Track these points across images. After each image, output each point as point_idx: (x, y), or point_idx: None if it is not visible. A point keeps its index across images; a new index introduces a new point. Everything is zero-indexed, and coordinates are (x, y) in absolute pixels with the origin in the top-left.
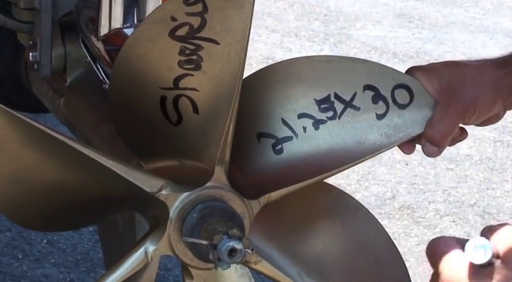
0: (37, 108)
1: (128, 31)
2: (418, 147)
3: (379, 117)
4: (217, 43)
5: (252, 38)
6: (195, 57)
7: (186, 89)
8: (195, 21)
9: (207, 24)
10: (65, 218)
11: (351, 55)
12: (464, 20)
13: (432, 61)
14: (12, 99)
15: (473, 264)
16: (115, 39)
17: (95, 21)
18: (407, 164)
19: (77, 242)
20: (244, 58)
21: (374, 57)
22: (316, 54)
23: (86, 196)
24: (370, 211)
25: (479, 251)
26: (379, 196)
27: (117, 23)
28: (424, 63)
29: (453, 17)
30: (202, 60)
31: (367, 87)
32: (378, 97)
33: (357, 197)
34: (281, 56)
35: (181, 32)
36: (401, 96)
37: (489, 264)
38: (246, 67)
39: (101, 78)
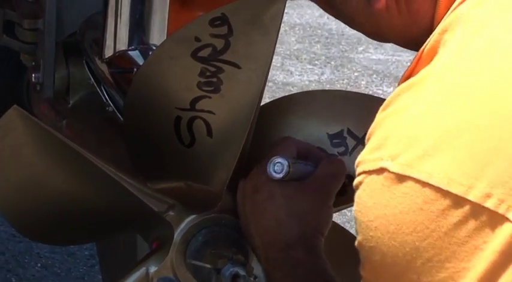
0: None
1: (133, 54)
2: None
3: None
4: (239, 67)
5: None
6: (215, 79)
7: (202, 111)
8: (219, 44)
9: (230, 47)
10: (67, 232)
11: (352, 79)
12: None
13: None
14: None
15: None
16: (120, 61)
17: (100, 43)
18: None
19: (72, 266)
20: (264, 84)
21: (375, 81)
22: (334, 89)
23: (91, 210)
24: None
25: (277, 167)
26: None
27: (123, 45)
28: None
29: None
30: (222, 83)
31: None
32: None
33: None
34: (282, 78)
35: (204, 53)
36: None
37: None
38: None
39: (105, 100)
